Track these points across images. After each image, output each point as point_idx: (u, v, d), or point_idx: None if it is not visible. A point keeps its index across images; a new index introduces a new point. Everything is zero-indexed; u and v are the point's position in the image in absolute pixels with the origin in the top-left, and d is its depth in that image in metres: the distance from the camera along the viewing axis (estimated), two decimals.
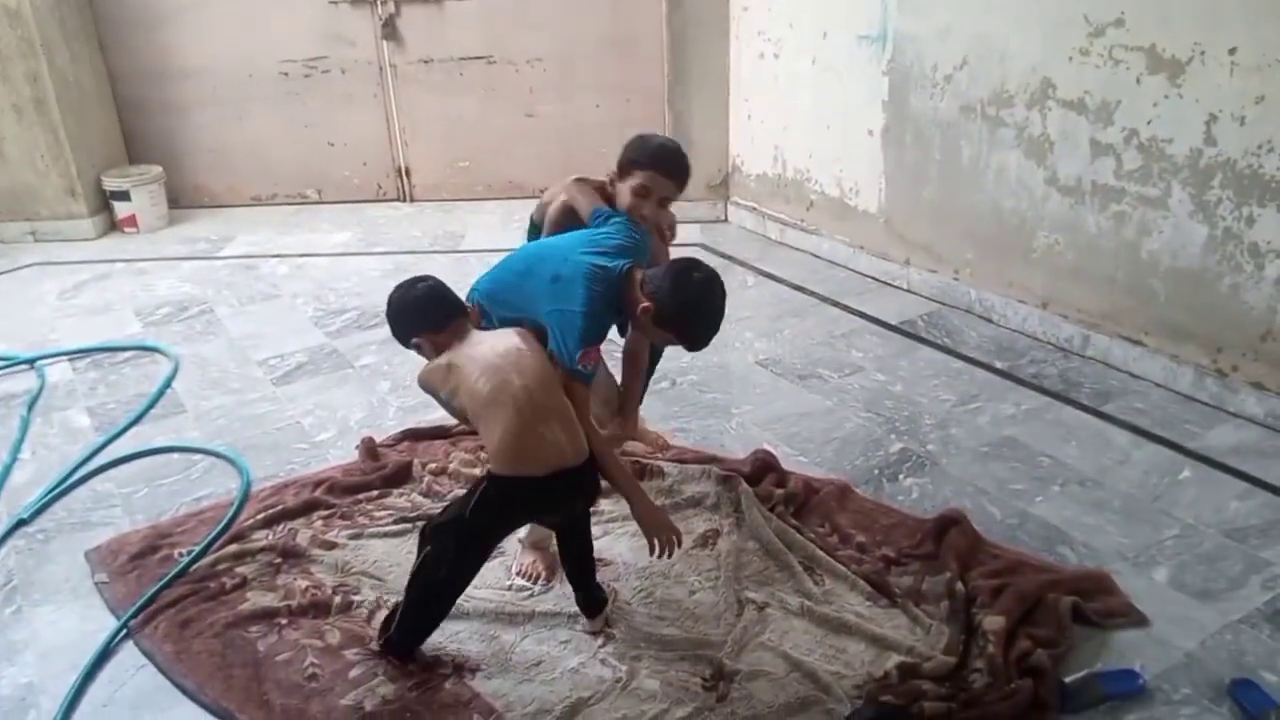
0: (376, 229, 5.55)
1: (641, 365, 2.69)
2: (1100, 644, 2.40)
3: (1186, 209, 3.37)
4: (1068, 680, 2.24)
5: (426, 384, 2.37)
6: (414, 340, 2.40)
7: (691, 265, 2.36)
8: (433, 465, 3.15)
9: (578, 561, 2.48)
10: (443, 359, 2.31)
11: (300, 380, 3.84)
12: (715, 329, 2.41)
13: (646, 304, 2.31)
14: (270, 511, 2.94)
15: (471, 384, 2.22)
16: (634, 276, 2.34)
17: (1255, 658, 2.34)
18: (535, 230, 2.84)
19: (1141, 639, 2.41)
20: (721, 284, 2.39)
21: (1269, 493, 2.95)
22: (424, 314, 2.38)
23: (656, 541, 2.43)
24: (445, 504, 2.62)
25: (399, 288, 2.44)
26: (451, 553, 2.27)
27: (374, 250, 5.22)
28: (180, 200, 5.88)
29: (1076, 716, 2.19)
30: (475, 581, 2.49)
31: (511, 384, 2.20)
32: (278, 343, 4.15)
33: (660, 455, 2.98)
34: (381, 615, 2.48)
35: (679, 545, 2.46)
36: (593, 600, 2.48)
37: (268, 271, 4.97)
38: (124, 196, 5.51)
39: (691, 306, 2.33)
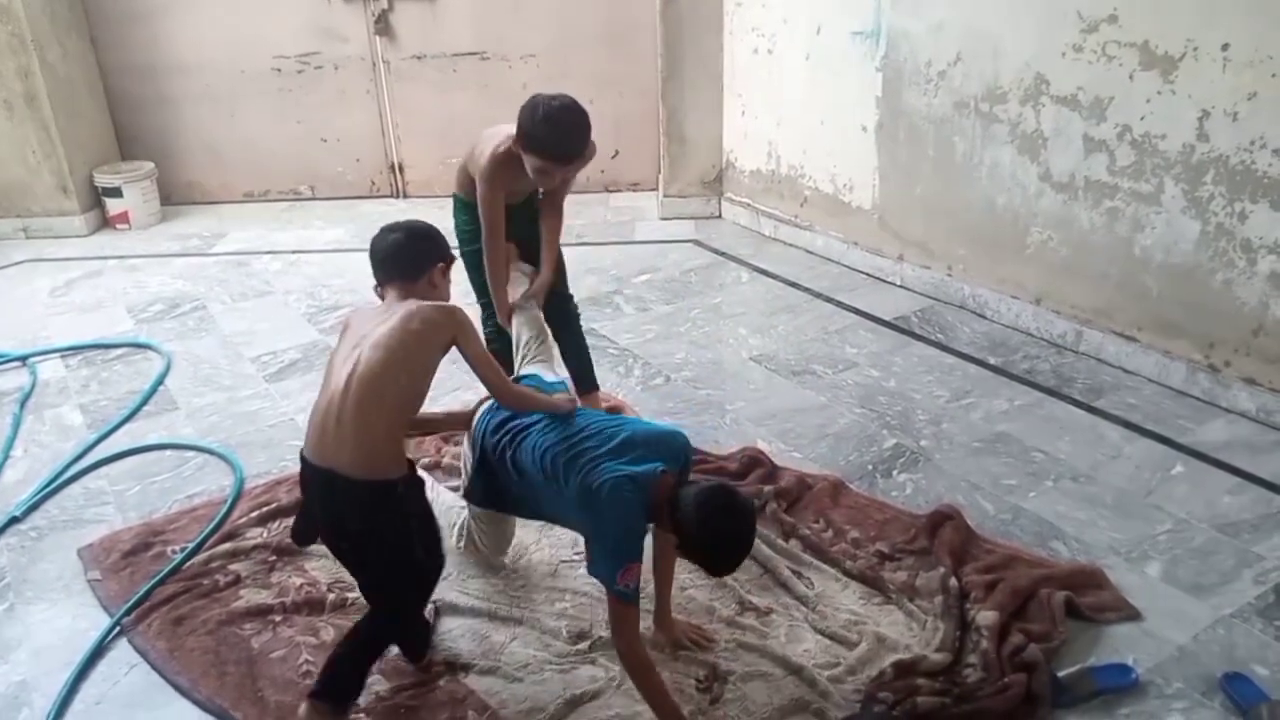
0: (370, 225, 5.49)
1: (669, 570, 2.42)
2: (1093, 638, 2.41)
3: (1179, 205, 3.38)
4: (1061, 674, 2.25)
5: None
6: (433, 267, 2.35)
7: (723, 503, 2.05)
8: (425, 460, 3.15)
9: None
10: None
11: (293, 377, 3.83)
12: (739, 562, 2.12)
13: (670, 536, 2.10)
14: (264, 509, 2.94)
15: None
16: (665, 483, 2.11)
17: (1247, 651, 2.35)
18: (463, 208, 3.00)
19: (1134, 633, 2.42)
20: (753, 518, 2.13)
21: (1261, 487, 2.96)
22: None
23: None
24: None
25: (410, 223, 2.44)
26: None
27: (367, 247, 5.18)
28: (172, 196, 5.86)
29: (1070, 710, 2.20)
30: (465, 586, 2.54)
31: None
32: (270, 339, 4.14)
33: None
34: None
35: None
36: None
37: (260, 268, 4.95)
38: (116, 193, 5.49)
39: (713, 544, 2.05)
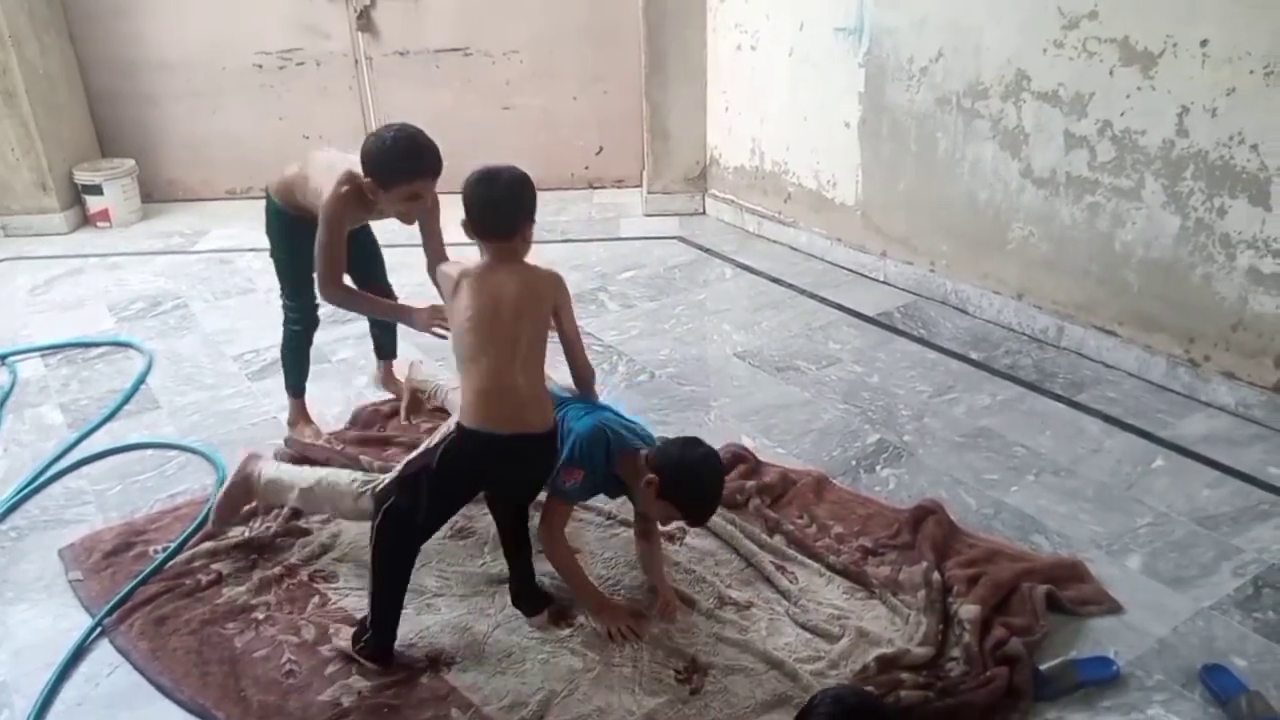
0: None
1: (654, 545, 2.61)
2: (1075, 631, 2.43)
3: (1159, 200, 3.40)
4: (1043, 667, 2.27)
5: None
6: (527, 224, 2.36)
7: (695, 441, 2.44)
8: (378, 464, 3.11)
9: (516, 545, 2.52)
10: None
11: (276, 375, 3.78)
12: (716, 500, 2.44)
13: (651, 476, 2.33)
14: (245, 508, 2.92)
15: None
16: (639, 457, 2.41)
17: (1226, 643, 2.37)
18: (277, 214, 3.08)
19: (1115, 626, 2.44)
20: (720, 461, 2.47)
21: (1240, 480, 2.99)
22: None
23: (611, 630, 2.43)
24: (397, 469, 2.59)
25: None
26: (422, 503, 2.27)
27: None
28: (153, 194, 5.82)
29: (1052, 703, 2.22)
30: (445, 572, 2.54)
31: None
32: (253, 338, 4.12)
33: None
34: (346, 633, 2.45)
35: (638, 635, 2.42)
36: (532, 594, 2.52)
37: (243, 266, 4.92)
38: (96, 190, 5.44)
39: (694, 479, 2.35)
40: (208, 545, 2.77)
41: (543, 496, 2.51)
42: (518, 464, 2.32)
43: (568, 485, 2.42)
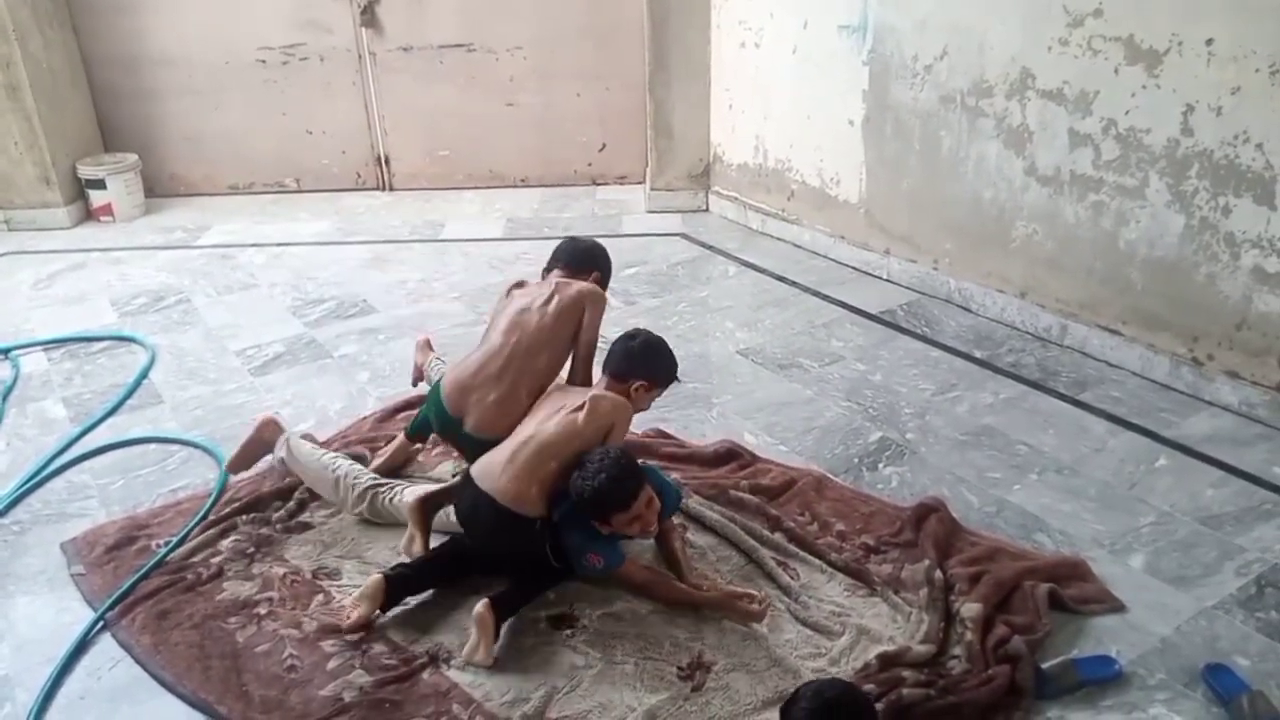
0: (355, 218, 5.52)
1: (671, 542, 2.72)
2: (1077, 630, 2.42)
3: (1164, 199, 3.39)
4: (1045, 666, 2.26)
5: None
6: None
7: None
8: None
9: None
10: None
11: (278, 370, 3.81)
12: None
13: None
14: (245, 500, 2.92)
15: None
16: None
17: (1229, 642, 2.37)
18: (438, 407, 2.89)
19: (1118, 625, 2.44)
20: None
21: (1243, 480, 2.98)
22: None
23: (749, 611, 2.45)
24: None
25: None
26: None
27: (353, 239, 5.18)
28: (156, 189, 5.82)
29: (1053, 702, 2.22)
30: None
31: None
32: (255, 332, 4.12)
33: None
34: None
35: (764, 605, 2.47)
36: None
37: (245, 261, 4.92)
38: (99, 185, 5.44)
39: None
40: (207, 538, 2.77)
41: None
42: None
43: (600, 564, 2.51)
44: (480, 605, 2.37)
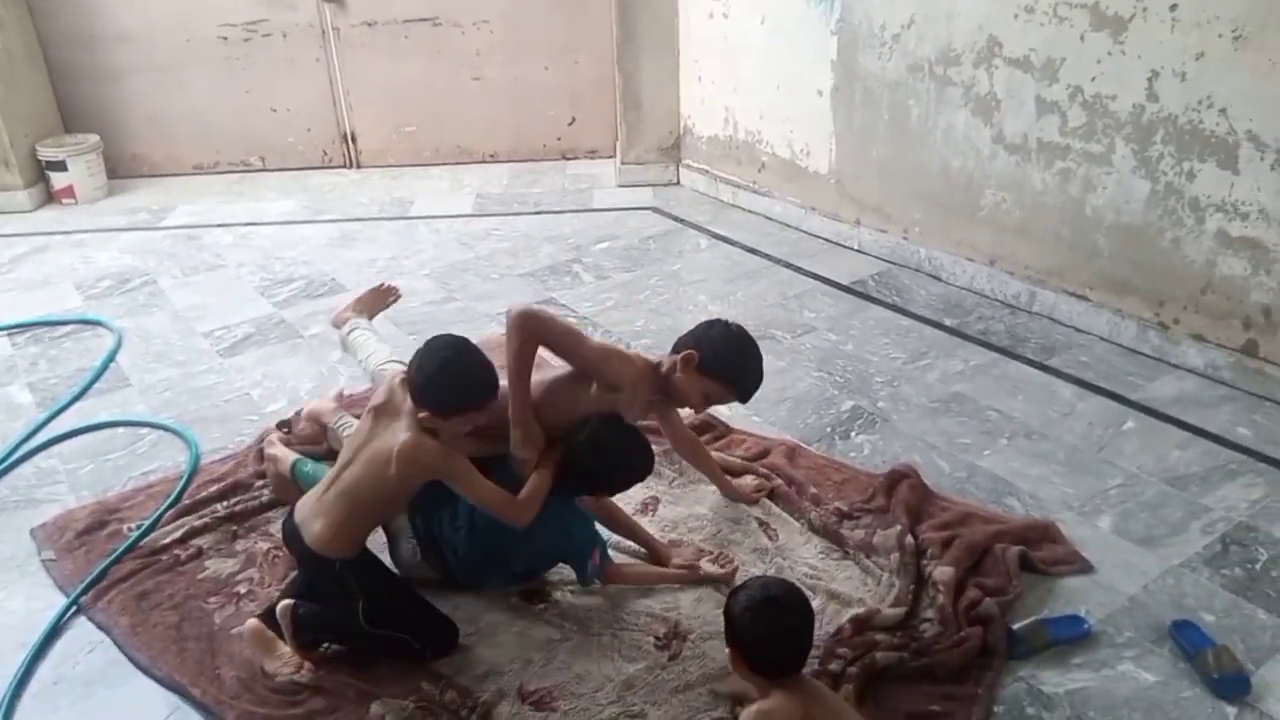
0: (322, 196, 5.46)
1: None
2: (1047, 591, 2.46)
3: (1129, 165, 3.42)
4: (1016, 627, 2.30)
5: None
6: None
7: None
8: None
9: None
10: None
11: (247, 351, 3.77)
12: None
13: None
14: (223, 484, 2.90)
15: None
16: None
17: (1195, 600, 2.41)
18: None
19: (1087, 585, 2.48)
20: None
21: (1209, 441, 3.03)
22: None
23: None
24: None
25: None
26: None
27: (320, 218, 5.13)
28: (118, 170, 5.72)
29: (1024, 662, 2.25)
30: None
31: None
32: (223, 314, 4.08)
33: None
34: None
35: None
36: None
37: (211, 241, 4.86)
38: (60, 167, 5.34)
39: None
40: (185, 521, 2.75)
41: None
42: None
43: (600, 568, 2.43)
44: (282, 606, 2.27)
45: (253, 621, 2.32)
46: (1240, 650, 2.23)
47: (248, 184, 5.68)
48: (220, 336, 3.89)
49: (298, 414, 3.10)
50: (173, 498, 2.86)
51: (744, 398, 2.46)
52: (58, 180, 5.38)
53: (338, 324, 3.00)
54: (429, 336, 2.28)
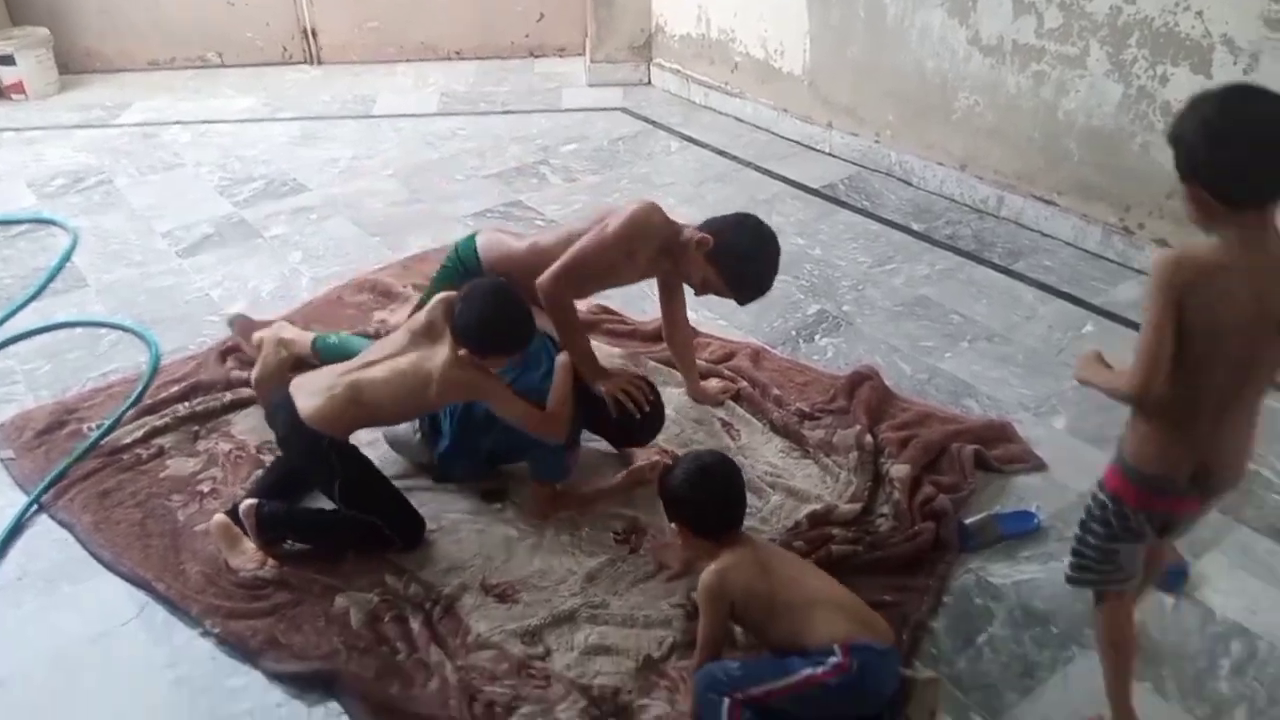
0: (283, 93, 5.30)
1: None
2: (1000, 488, 2.51)
3: (1103, 68, 3.38)
4: (968, 521, 2.35)
5: None
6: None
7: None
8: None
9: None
10: None
11: (207, 251, 3.71)
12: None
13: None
14: (185, 384, 2.88)
15: None
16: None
17: None
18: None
19: (1039, 482, 2.53)
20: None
21: None
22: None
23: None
24: None
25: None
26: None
27: (281, 116, 4.99)
28: (70, 65, 5.52)
29: (975, 555, 2.31)
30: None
31: None
32: (182, 213, 3.99)
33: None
34: None
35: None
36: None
37: (169, 139, 4.73)
38: (8, 61, 5.14)
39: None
40: (147, 421, 2.73)
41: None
42: None
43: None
44: (246, 505, 2.27)
45: (219, 517, 2.34)
46: (1181, 543, 2.29)
47: (205, 80, 5.50)
48: (179, 236, 3.82)
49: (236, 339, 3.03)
50: (133, 398, 2.84)
51: (741, 300, 2.51)
52: (6, 75, 5.19)
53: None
54: (471, 283, 2.32)
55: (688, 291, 2.63)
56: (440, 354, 2.26)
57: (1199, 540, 2.32)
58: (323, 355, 2.69)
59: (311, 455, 2.31)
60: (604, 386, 2.43)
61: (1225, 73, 3.06)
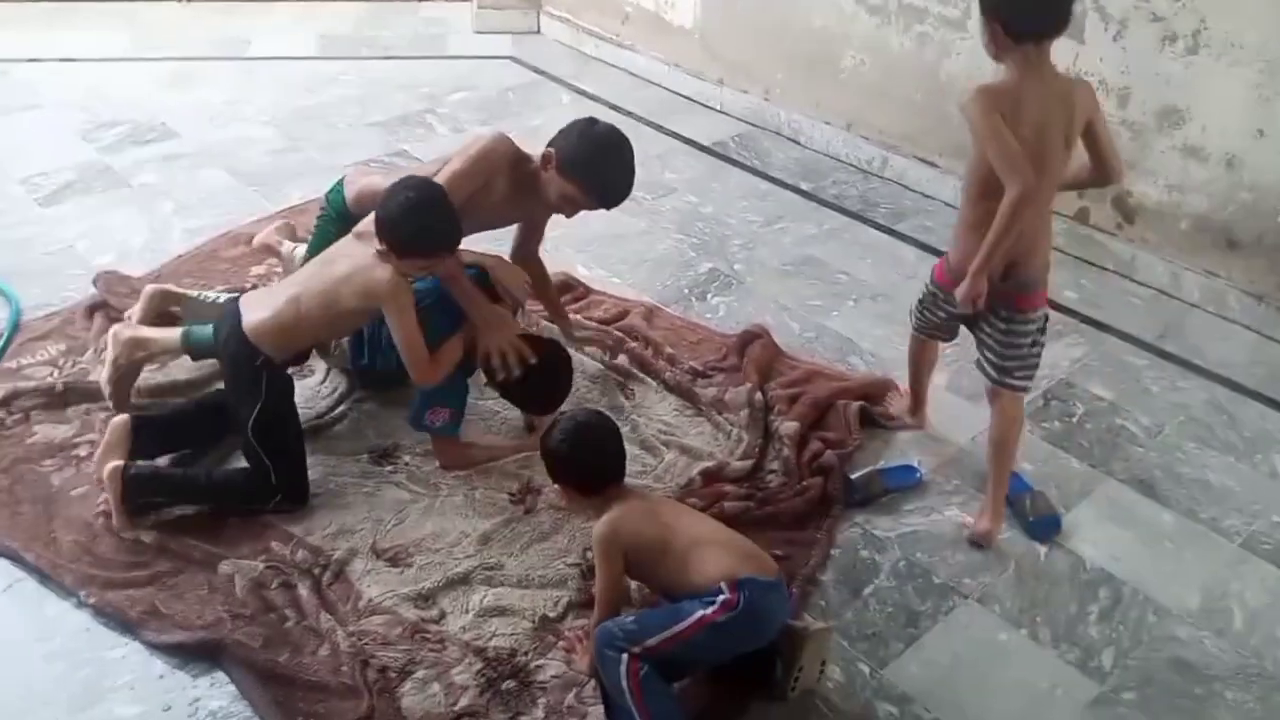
0: (150, 30, 4.97)
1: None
2: (884, 444, 2.61)
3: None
4: (854, 476, 2.44)
5: None
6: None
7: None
8: None
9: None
10: None
11: (70, 200, 3.49)
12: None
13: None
14: (54, 349, 2.74)
15: None
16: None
17: (1018, 451, 2.59)
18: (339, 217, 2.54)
19: (920, 438, 2.64)
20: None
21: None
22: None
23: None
24: None
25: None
26: None
27: (148, 55, 4.69)
28: None
29: (861, 509, 2.40)
30: None
31: None
32: (40, 158, 3.74)
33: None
34: None
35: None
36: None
37: (23, 77, 4.40)
38: None
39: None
40: (7, 387, 2.57)
41: None
42: None
43: (438, 423, 2.40)
44: (110, 467, 2.20)
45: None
46: (1054, 495, 2.44)
47: (64, 14, 5.09)
48: (38, 183, 3.58)
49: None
50: None
51: (604, 204, 2.43)
52: None
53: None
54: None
55: (587, 242, 2.58)
56: (364, 254, 2.22)
57: (1070, 493, 2.47)
58: (196, 351, 2.49)
59: (242, 372, 2.26)
60: (482, 340, 2.33)
61: (1097, 38, 3.18)
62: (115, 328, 2.56)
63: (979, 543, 2.30)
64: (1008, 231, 1.98)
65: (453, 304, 2.33)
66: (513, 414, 2.63)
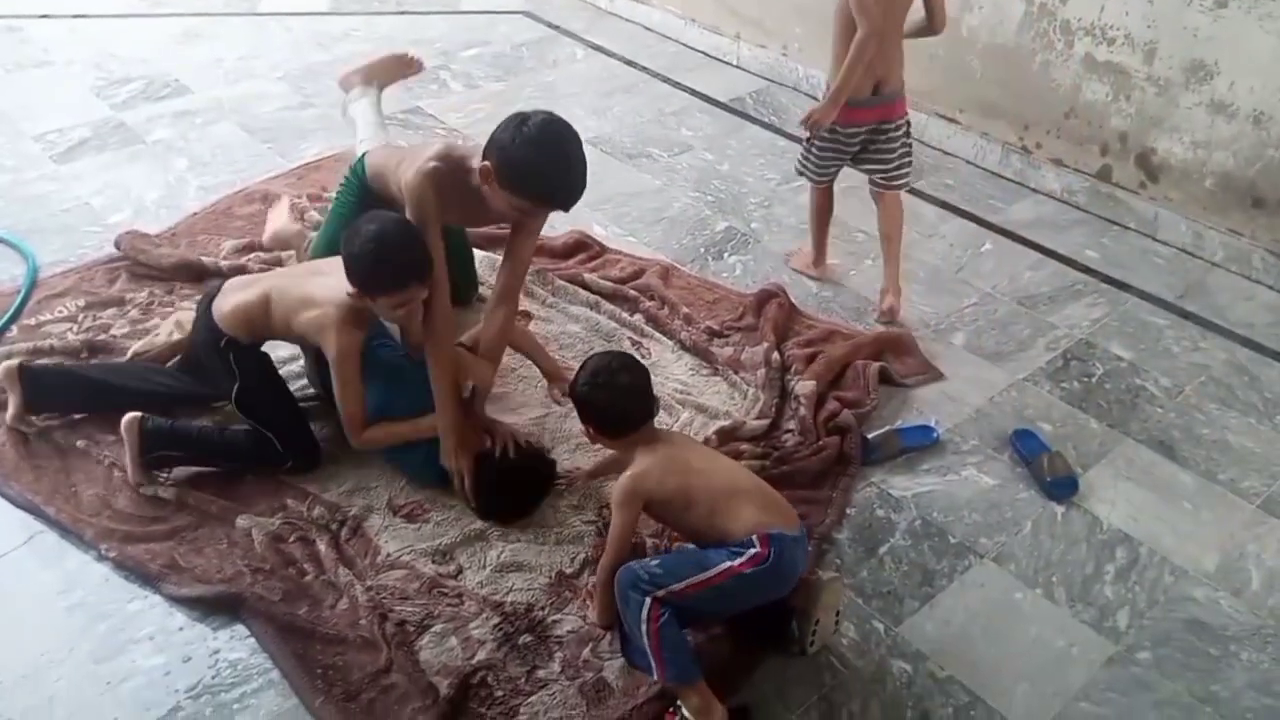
0: None
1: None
2: (902, 403, 2.59)
3: None
4: (870, 436, 2.42)
5: None
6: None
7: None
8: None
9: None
10: None
11: (85, 157, 3.48)
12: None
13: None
14: (78, 303, 2.74)
15: None
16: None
17: (1035, 411, 2.58)
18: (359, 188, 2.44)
19: (938, 397, 2.62)
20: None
21: (1059, 262, 3.18)
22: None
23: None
24: None
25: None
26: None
27: (160, 11, 4.66)
28: None
29: (878, 467, 2.39)
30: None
31: None
32: (55, 116, 3.73)
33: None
34: None
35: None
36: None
37: (36, 34, 4.37)
38: None
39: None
40: (28, 345, 2.58)
41: None
42: None
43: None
44: (129, 416, 2.20)
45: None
46: (1072, 456, 2.42)
47: None
48: (53, 141, 3.57)
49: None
50: (10, 313, 2.68)
51: (558, 207, 2.10)
52: None
53: (345, 87, 2.83)
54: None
55: (603, 200, 2.49)
56: (334, 284, 2.10)
57: (1089, 453, 2.45)
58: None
59: (210, 354, 2.26)
60: (451, 458, 2.20)
61: None
62: (179, 314, 2.64)
63: (889, 319, 2.81)
64: (859, 60, 2.54)
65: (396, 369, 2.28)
66: (532, 372, 2.61)
